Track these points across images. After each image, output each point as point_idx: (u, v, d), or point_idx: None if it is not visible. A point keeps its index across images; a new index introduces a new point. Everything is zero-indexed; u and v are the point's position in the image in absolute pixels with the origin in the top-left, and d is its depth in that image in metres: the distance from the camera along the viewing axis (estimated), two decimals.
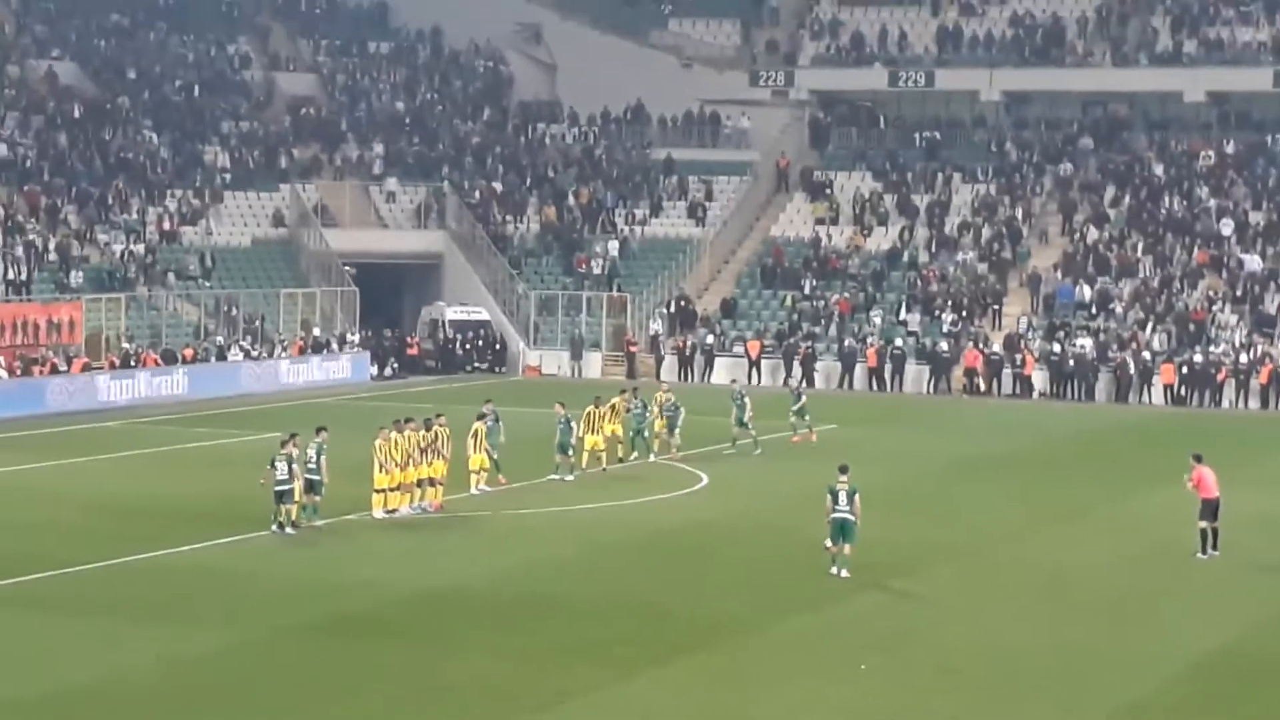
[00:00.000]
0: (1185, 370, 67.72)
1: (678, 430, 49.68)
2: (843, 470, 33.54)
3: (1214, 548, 35.84)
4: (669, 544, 37.23)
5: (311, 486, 37.61)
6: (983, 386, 68.83)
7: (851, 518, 33.02)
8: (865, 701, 25.57)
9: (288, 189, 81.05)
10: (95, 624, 29.48)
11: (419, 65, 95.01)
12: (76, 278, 69.31)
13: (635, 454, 48.10)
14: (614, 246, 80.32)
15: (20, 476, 45.86)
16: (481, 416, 43.31)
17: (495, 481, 42.65)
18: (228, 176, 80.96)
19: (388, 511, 38.98)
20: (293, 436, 37.93)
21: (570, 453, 45.13)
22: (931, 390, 69.84)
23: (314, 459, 37.71)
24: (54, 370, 61.81)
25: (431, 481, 39.94)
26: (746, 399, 51.63)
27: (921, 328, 73.04)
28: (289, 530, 36.77)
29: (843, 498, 33.09)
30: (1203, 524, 35.91)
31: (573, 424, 45.12)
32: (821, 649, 28.48)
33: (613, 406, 47.24)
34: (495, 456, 42.87)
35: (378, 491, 38.94)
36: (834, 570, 33.10)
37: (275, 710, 24.65)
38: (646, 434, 48.59)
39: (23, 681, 25.77)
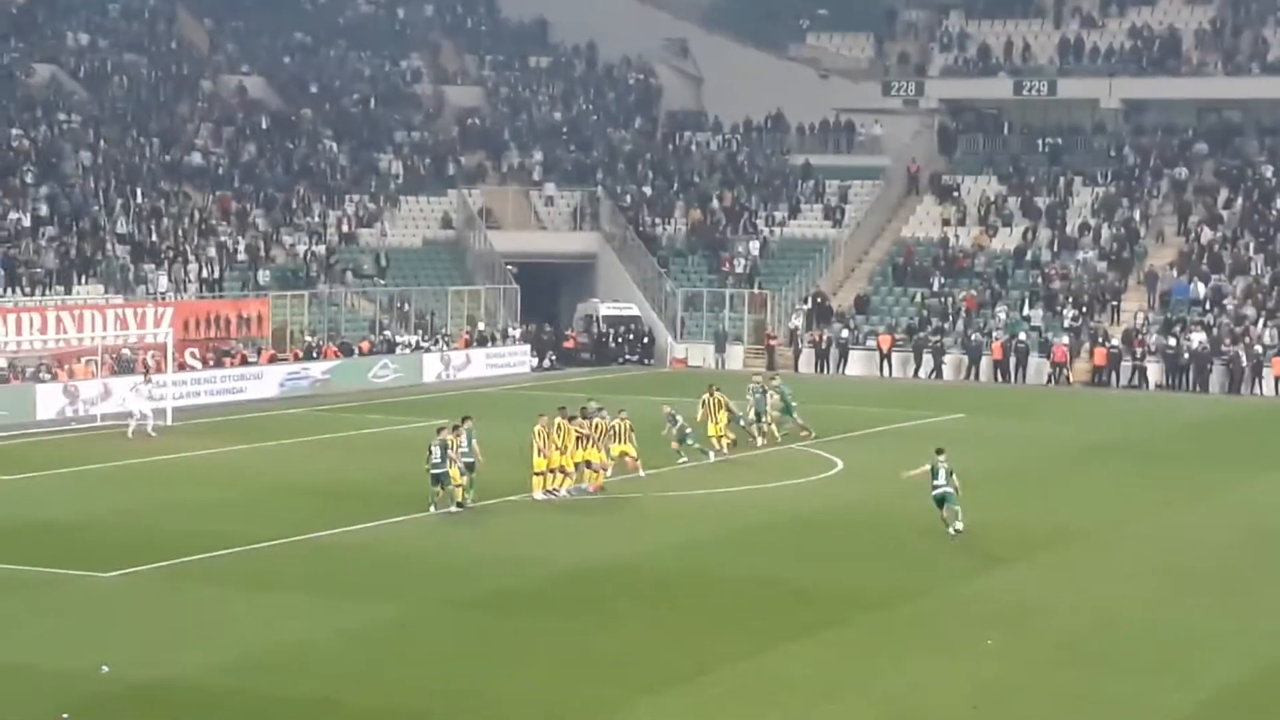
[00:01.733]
0: None
1: (764, 417, 48.69)
2: (939, 451, 34.94)
3: None
4: (806, 525, 37.12)
5: (469, 468, 37.81)
6: (1073, 379, 67.96)
7: (951, 490, 34.48)
8: (989, 675, 25.35)
9: (455, 194, 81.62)
10: (277, 597, 29.85)
11: (575, 78, 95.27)
12: (264, 276, 70.21)
13: (762, 440, 47.98)
14: (755, 246, 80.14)
15: (213, 460, 46.55)
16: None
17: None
18: (400, 182, 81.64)
19: (548, 492, 39.14)
20: (464, 419, 38.33)
21: (688, 441, 44.64)
22: (1052, 382, 69.07)
23: (465, 444, 37.90)
24: (244, 361, 62.69)
25: (589, 464, 39.99)
26: (767, 395, 49.41)
27: (1044, 323, 72.24)
28: (453, 509, 36.97)
29: (941, 474, 34.48)
30: None
31: (678, 418, 44.69)
32: (949, 625, 28.25)
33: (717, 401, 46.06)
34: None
35: (537, 474, 39.11)
36: (950, 531, 34.46)
37: (441, 678, 24.83)
38: (763, 420, 48.32)
39: (214, 649, 26.16)
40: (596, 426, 40.34)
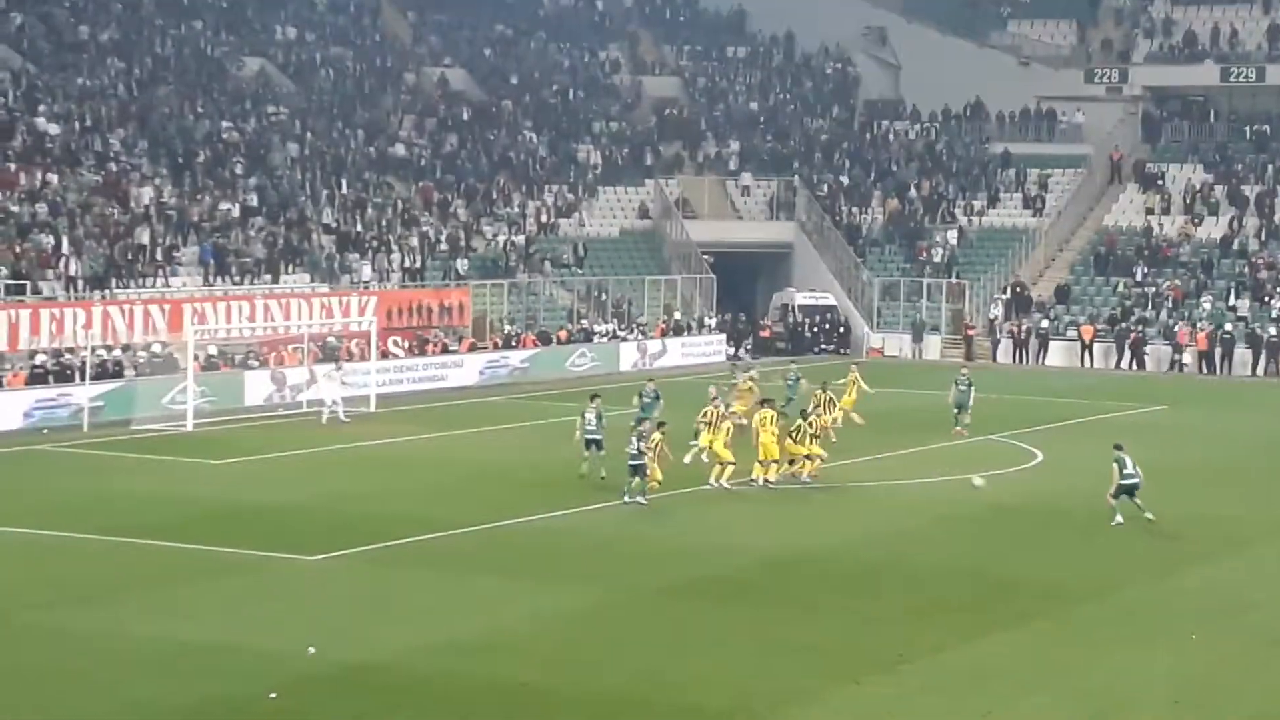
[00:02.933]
0: None
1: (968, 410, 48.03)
2: (1118, 447, 35.04)
3: None
4: (1008, 516, 36.70)
5: (596, 445, 39.09)
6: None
7: (1137, 480, 34.55)
8: (1192, 670, 24.89)
9: (652, 184, 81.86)
10: (478, 581, 30.17)
11: (773, 67, 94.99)
12: (464, 266, 70.99)
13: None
14: (953, 236, 79.38)
15: (414, 447, 47.19)
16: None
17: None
18: (599, 173, 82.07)
19: (768, 482, 39.08)
20: (592, 397, 40.06)
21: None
22: (1260, 373, 67.55)
23: (593, 423, 39.18)
24: (444, 350, 63.45)
25: (809, 457, 39.78)
26: (802, 380, 49.29)
27: (1251, 314, 70.66)
28: (640, 500, 36.75)
29: (1129, 464, 34.60)
30: None
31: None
32: (1152, 619, 27.76)
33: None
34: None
35: (759, 462, 39.25)
36: (1117, 520, 34.48)
37: (638, 663, 24.93)
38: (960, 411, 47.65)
39: (417, 632, 26.52)
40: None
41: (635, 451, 36.85)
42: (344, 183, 73.03)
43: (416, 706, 22.84)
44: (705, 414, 40.08)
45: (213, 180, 68.95)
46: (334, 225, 69.89)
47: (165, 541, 33.02)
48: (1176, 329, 69.61)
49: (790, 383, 49.71)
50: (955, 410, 47.79)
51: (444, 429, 50.25)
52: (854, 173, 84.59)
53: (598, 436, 39.20)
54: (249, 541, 33.04)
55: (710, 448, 39.52)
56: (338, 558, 31.85)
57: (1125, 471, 34.55)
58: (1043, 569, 31.36)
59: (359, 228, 70.45)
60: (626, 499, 36.90)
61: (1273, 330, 68.47)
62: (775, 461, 39.37)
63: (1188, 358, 68.84)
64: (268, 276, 64.29)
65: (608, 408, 41.25)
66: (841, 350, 74.75)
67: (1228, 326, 69.26)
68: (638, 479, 36.82)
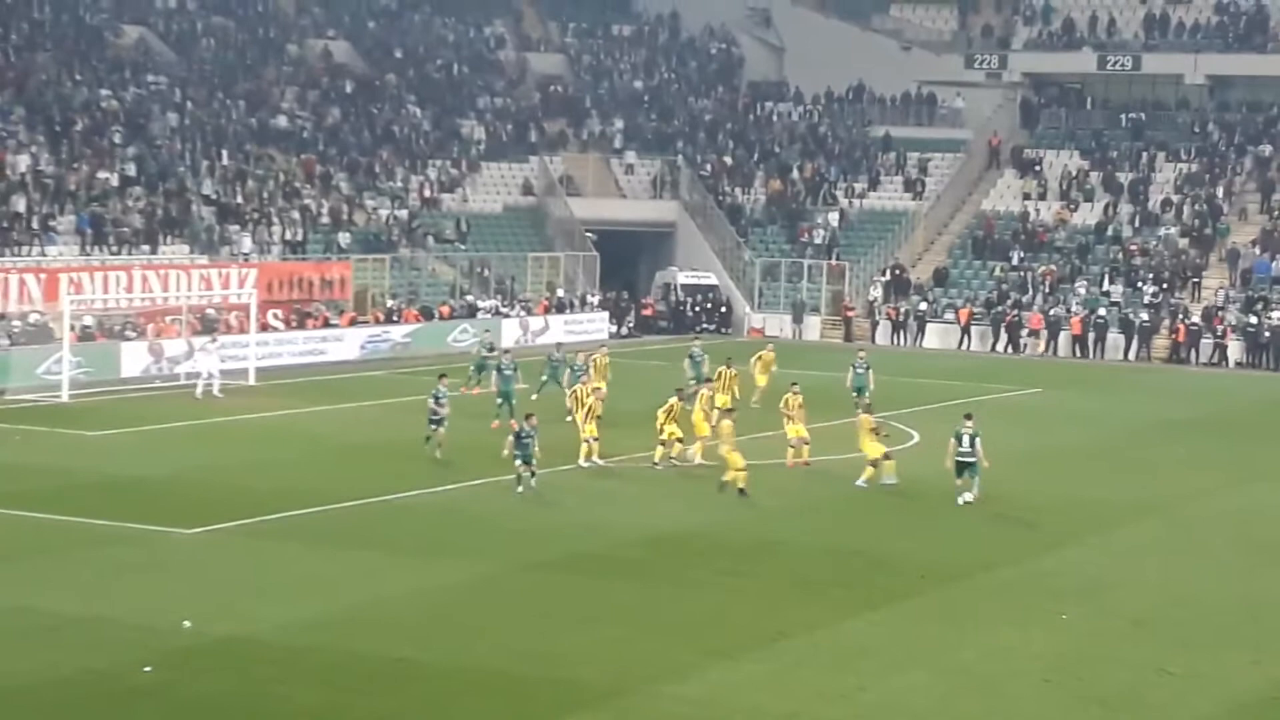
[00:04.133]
0: None
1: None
2: (967, 417, 35.47)
3: None
4: (883, 497, 36.99)
5: (438, 424, 39.02)
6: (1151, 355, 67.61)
7: (973, 459, 34.79)
8: (1064, 648, 25.22)
9: (536, 160, 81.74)
10: (356, 556, 30.03)
11: (658, 47, 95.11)
12: (345, 240, 70.54)
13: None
14: (834, 218, 79.88)
15: (294, 420, 46.87)
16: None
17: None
18: (483, 148, 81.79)
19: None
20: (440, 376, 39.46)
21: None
22: (1132, 357, 68.59)
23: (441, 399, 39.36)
24: (325, 324, 63.04)
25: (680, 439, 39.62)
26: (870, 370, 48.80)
27: (1124, 299, 71.71)
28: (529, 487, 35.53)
29: (965, 441, 34.93)
30: None
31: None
32: (1024, 598, 28.11)
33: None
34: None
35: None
36: (960, 499, 34.80)
37: (517, 638, 24.91)
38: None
39: (294, 606, 26.37)
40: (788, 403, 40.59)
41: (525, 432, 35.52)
42: (224, 154, 72.29)
43: (292, 680, 22.71)
44: (574, 392, 40.46)
45: (90, 149, 68.04)
46: (214, 196, 69.18)
47: (40, 513, 32.61)
48: (1053, 313, 70.46)
49: (696, 360, 49.52)
50: (854, 393, 47.78)
51: (324, 403, 49.93)
52: (737, 153, 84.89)
53: (441, 417, 39.17)
54: (125, 514, 32.68)
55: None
56: (215, 531, 31.59)
57: (960, 450, 34.97)
58: (917, 548, 31.66)
59: (239, 199, 69.79)
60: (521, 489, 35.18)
61: (1144, 315, 69.52)
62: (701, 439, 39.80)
63: (1062, 341, 69.74)
64: (146, 247, 63.55)
65: (488, 384, 41.13)
66: (723, 330, 75.06)
67: (1101, 311, 70.21)
68: (522, 464, 35.15)
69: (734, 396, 44.75)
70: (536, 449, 35.31)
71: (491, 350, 52.18)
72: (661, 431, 39.09)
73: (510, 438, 35.61)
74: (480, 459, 38.30)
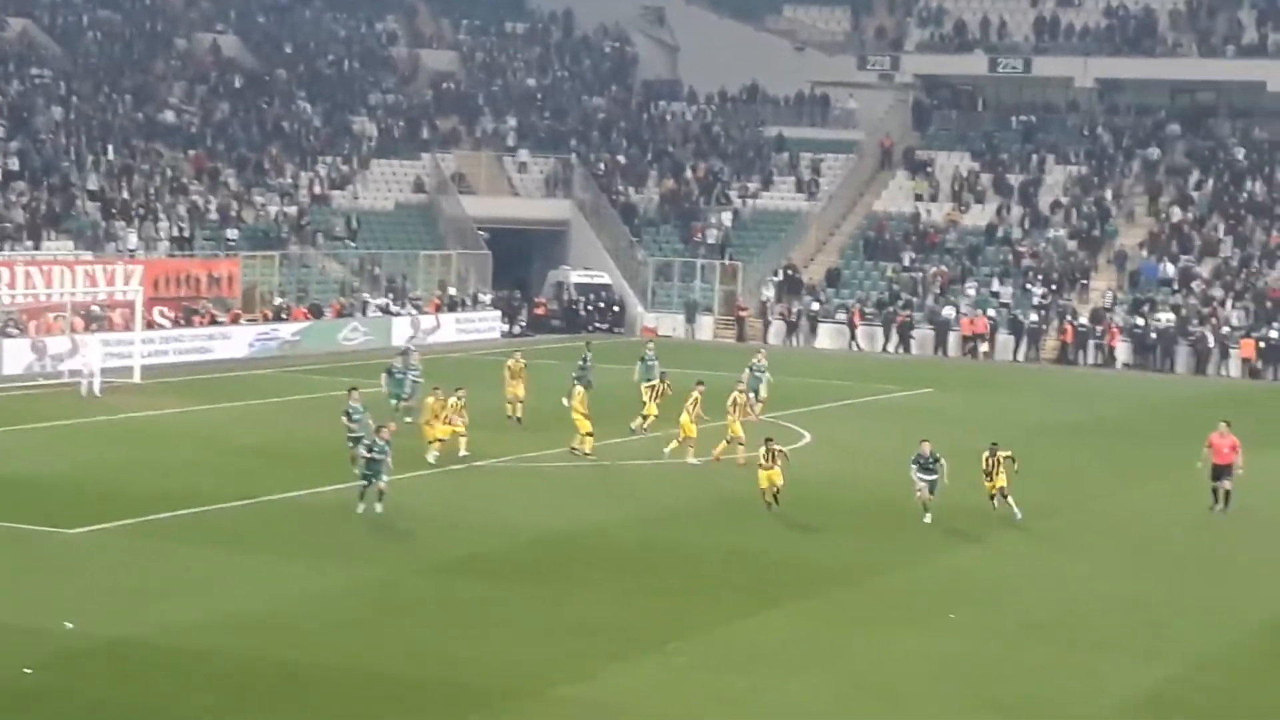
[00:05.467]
0: (1263, 345, 66.80)
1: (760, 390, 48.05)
2: (924, 441, 34.67)
3: (1225, 506, 35.90)
4: (777, 497, 36.97)
5: (355, 442, 35.71)
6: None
7: (938, 479, 34.23)
8: (955, 650, 25.32)
9: (428, 158, 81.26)
10: (245, 557, 29.66)
11: (551, 45, 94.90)
12: (234, 236, 69.79)
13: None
14: (728, 217, 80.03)
15: (181, 419, 46.30)
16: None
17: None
18: (374, 145, 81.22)
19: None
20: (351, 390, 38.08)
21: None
22: (1021, 358, 69.20)
23: (357, 415, 37.13)
24: (213, 321, 62.37)
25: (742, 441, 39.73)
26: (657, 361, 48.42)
27: (1013, 300, 72.32)
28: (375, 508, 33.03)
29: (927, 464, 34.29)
30: (1214, 484, 36.06)
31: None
32: (915, 600, 28.21)
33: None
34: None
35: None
36: (927, 518, 33.99)
37: (411, 641, 24.70)
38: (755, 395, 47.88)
39: (181, 608, 25.98)
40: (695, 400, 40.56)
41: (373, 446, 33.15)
42: (110, 148, 71.36)
43: (178, 682, 22.36)
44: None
45: None
46: (99, 191, 68.25)
47: None
48: (943, 314, 70.95)
49: (650, 362, 48.35)
50: (750, 394, 47.62)
51: (211, 401, 49.35)
52: (631, 152, 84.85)
53: (359, 434, 35.84)
54: (6, 514, 32.10)
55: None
56: (99, 531, 31.11)
57: (923, 478, 34.19)
58: (809, 550, 31.71)
59: (125, 195, 68.89)
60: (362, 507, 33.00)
61: (1034, 316, 70.17)
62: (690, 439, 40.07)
63: (952, 342, 70.30)
64: (29, 242, 62.56)
65: (364, 384, 40.73)
66: (616, 329, 75.01)
67: (990, 312, 70.79)
68: (369, 483, 32.70)
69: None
70: (389, 464, 32.61)
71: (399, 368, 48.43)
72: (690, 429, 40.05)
73: (362, 449, 33.35)
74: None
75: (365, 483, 32.72)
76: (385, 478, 32.61)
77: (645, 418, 43.69)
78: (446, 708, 21.59)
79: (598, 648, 24.57)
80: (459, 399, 39.19)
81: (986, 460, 34.58)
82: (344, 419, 37.54)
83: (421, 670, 23.24)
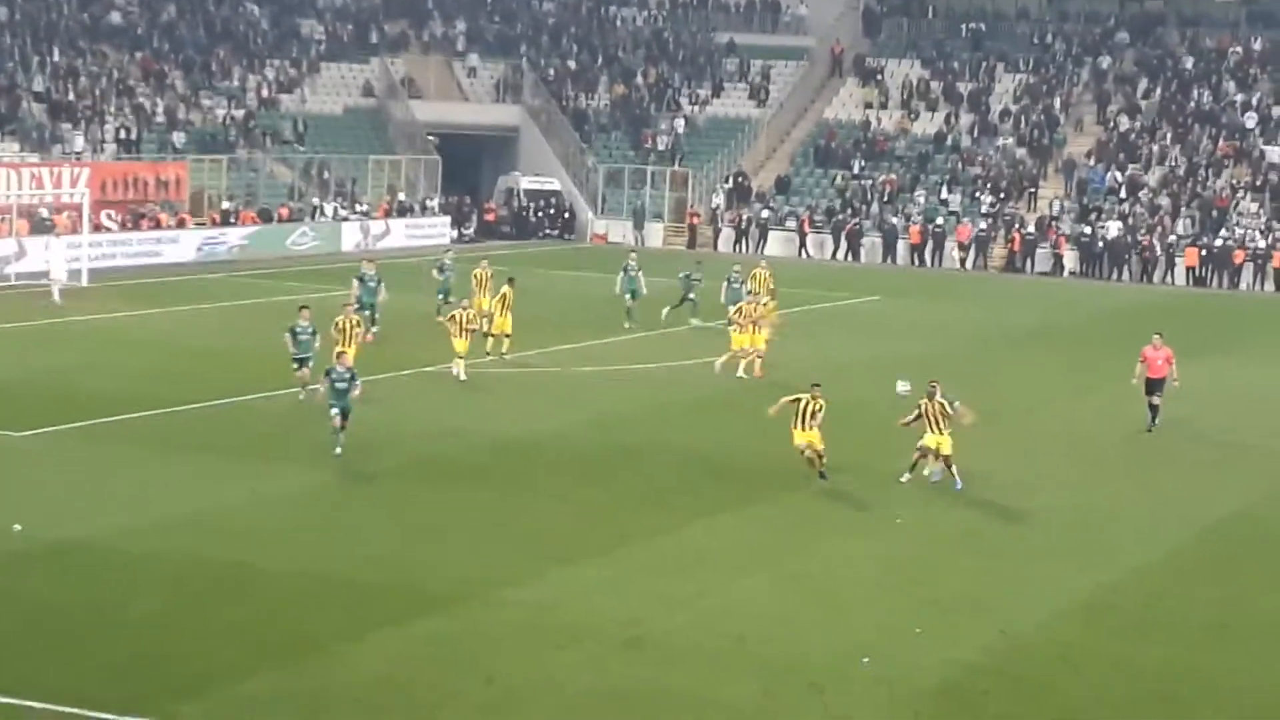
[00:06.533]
0: (1206, 253, 67.21)
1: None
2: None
3: (1154, 420, 35.25)
4: (724, 403, 37.19)
5: (301, 364, 34.43)
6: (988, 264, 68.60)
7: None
8: (899, 554, 25.61)
9: (377, 62, 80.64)
10: (194, 460, 29.64)
11: None
12: (181, 139, 69.24)
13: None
14: (678, 124, 79.78)
15: (129, 323, 46.11)
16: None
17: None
18: (322, 48, 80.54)
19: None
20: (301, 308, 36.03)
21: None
22: (969, 266, 69.50)
23: (305, 335, 34.62)
24: (159, 225, 62.00)
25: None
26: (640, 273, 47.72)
27: (961, 208, 72.48)
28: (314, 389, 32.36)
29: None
30: (1150, 399, 35.26)
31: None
32: (861, 506, 28.40)
33: None
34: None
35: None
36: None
37: (359, 545, 24.80)
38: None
39: (129, 511, 26.02)
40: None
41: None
42: (56, 50, 70.54)
43: (131, 587, 22.41)
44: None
45: None
46: (45, 93, 67.53)
47: None
48: (891, 221, 71.08)
49: (632, 273, 47.41)
50: (628, 296, 46.93)
51: (160, 306, 49.16)
52: (581, 57, 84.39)
53: (305, 356, 34.41)
54: None
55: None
56: (47, 434, 31.05)
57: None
58: (756, 456, 31.83)
59: (71, 97, 68.21)
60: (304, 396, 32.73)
61: (982, 224, 70.37)
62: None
63: (900, 250, 70.47)
64: None
65: (329, 289, 40.60)
66: (565, 235, 74.92)
67: (939, 220, 70.95)
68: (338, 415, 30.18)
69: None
70: (356, 392, 30.16)
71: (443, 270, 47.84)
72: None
73: (323, 378, 30.74)
74: (320, 363, 37.96)
75: (338, 412, 29.76)
76: (348, 414, 29.83)
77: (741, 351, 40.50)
78: (394, 610, 21.69)
79: (546, 551, 24.72)
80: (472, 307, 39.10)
81: (926, 409, 29.24)
82: (287, 338, 34.58)
83: (370, 573, 23.34)
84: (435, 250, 67.29)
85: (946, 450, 29.35)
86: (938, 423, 29.25)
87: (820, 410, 28.97)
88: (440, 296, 46.23)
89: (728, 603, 22.80)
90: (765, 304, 40.98)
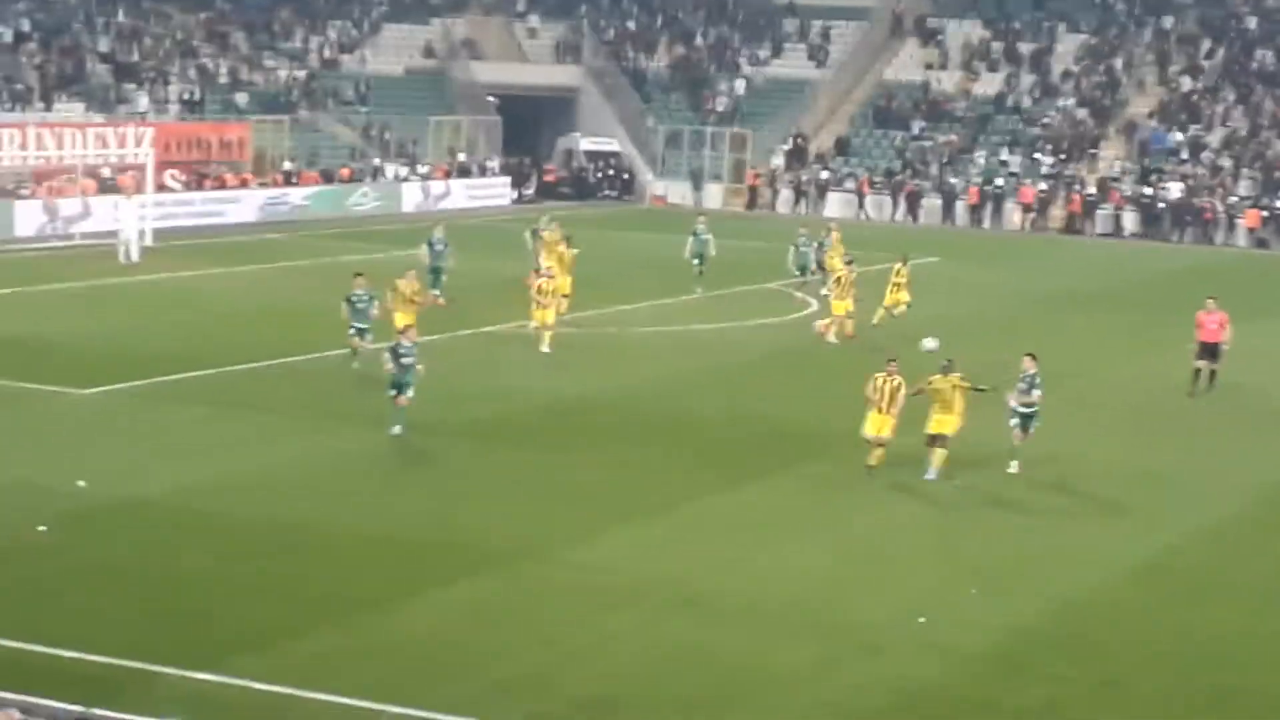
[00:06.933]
0: (1268, 215, 66.60)
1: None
2: (1029, 356, 28.11)
3: (1210, 385, 34.83)
4: (782, 364, 37.14)
5: (360, 334, 33.47)
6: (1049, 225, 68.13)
7: (1034, 409, 27.86)
8: (952, 517, 25.54)
9: (438, 23, 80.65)
10: (255, 419, 29.81)
11: None
12: (244, 100, 69.46)
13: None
14: (738, 86, 79.49)
15: (192, 283, 46.35)
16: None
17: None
18: (383, 9, 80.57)
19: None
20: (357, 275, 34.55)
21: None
22: (1028, 228, 69.06)
23: (362, 304, 33.54)
24: (222, 185, 62.25)
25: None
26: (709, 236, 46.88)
27: (1021, 169, 71.99)
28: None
29: (1028, 385, 27.89)
30: (1199, 363, 34.81)
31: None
32: (919, 469, 28.15)
33: None
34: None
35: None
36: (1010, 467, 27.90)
37: (418, 504, 24.88)
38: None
39: (191, 469, 26.15)
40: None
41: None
42: (120, 10, 70.82)
43: (190, 543, 22.55)
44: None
45: None
46: (110, 54, 67.84)
47: None
48: (950, 182, 70.67)
49: (703, 237, 46.57)
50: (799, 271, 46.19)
51: (222, 266, 49.39)
52: (641, 18, 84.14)
53: (362, 325, 33.37)
54: (17, 373, 32.26)
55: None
56: (111, 392, 31.26)
57: (1023, 398, 27.81)
58: (814, 417, 31.76)
59: (136, 57, 68.49)
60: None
61: (1042, 186, 69.89)
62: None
63: (959, 211, 70.10)
64: (40, 105, 62.30)
65: (389, 250, 40.62)
66: (625, 197, 74.83)
67: (998, 181, 70.51)
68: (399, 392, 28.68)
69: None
70: (420, 369, 28.68)
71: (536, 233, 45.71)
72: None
73: (387, 353, 29.16)
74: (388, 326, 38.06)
75: (395, 391, 28.41)
76: (411, 391, 28.47)
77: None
78: (445, 569, 21.73)
79: (599, 512, 24.72)
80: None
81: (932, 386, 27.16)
82: (345, 306, 33.51)
83: (421, 532, 23.42)
84: (495, 211, 67.49)
85: (949, 431, 26.96)
86: (948, 402, 26.89)
87: (900, 389, 26.90)
88: (431, 277, 41.49)
89: (782, 564, 22.76)
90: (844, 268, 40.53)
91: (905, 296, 40.42)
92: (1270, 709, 18.73)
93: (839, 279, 39.91)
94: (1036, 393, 27.85)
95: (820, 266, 45.45)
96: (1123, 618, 21.18)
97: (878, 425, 27.12)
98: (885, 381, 27.17)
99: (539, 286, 37.27)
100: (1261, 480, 28.59)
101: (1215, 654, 20.14)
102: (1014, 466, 27.77)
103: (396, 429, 28.45)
